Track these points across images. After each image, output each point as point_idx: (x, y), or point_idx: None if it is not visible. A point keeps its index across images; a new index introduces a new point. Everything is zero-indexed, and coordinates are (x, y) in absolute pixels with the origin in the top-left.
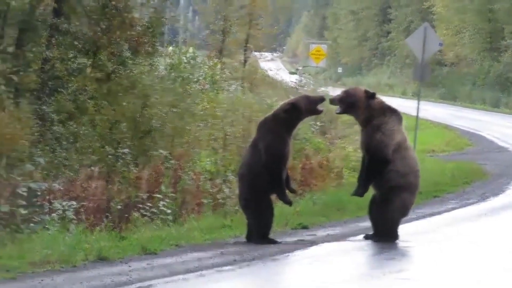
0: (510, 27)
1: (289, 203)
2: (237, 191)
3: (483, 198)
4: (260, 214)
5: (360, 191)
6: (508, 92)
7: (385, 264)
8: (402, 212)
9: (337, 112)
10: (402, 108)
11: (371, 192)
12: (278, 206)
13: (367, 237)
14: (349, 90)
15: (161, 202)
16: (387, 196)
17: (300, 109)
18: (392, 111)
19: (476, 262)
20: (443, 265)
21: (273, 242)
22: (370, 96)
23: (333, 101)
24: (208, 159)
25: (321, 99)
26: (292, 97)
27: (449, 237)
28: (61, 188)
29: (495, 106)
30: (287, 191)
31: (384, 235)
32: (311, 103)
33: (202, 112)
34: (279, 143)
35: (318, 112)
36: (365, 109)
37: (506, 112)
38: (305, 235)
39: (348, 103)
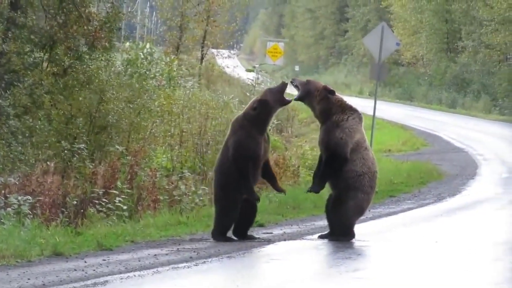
0: (467, 28)
1: (256, 199)
2: (193, 188)
3: (439, 198)
4: (224, 212)
5: (316, 188)
6: (464, 93)
7: (342, 263)
8: (357, 212)
9: (295, 98)
10: (358, 107)
11: (328, 190)
12: None
13: (322, 237)
14: (311, 80)
15: (117, 198)
16: (342, 196)
17: (268, 102)
18: (353, 110)
19: (433, 262)
20: (399, 265)
21: (230, 240)
22: (329, 91)
23: (293, 80)
24: (164, 156)
25: (284, 85)
26: (251, 96)
27: (406, 237)
28: (17, 183)
29: (451, 106)
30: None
31: (340, 234)
32: (276, 92)
33: (158, 108)
34: (247, 140)
35: (286, 102)
36: (321, 100)
37: (463, 113)
38: (261, 233)
39: (306, 90)
